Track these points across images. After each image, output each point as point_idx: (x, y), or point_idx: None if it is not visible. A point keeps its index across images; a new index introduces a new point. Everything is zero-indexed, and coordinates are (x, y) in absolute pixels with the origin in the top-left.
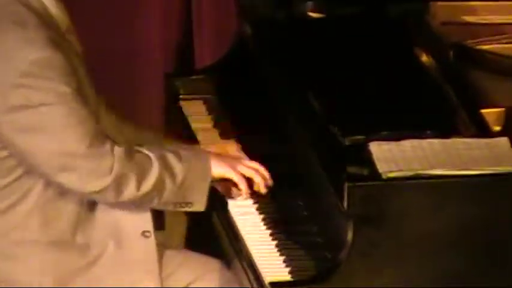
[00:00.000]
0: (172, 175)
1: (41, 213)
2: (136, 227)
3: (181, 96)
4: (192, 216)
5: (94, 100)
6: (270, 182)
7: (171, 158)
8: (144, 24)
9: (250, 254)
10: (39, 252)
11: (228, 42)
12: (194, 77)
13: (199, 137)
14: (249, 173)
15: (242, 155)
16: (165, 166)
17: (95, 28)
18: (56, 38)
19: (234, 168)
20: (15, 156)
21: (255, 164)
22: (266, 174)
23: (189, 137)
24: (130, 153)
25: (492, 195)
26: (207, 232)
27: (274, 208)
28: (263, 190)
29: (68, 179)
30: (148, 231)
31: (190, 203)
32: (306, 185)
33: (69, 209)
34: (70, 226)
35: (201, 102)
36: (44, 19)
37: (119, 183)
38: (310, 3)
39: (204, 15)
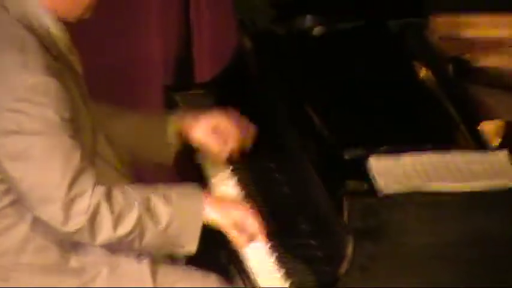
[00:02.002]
0: (155, 219)
1: (36, 238)
2: (131, 252)
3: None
4: None
5: (89, 123)
6: (263, 235)
7: (157, 201)
8: (143, 38)
9: (249, 267)
10: (34, 276)
11: (227, 56)
12: (193, 91)
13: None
14: (241, 225)
15: (242, 203)
16: (148, 209)
17: (94, 43)
18: (54, 65)
19: (228, 217)
20: (6, 181)
21: (251, 217)
22: (260, 227)
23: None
24: (110, 193)
25: (492, 210)
26: (206, 246)
27: (275, 222)
28: (261, 240)
29: (44, 213)
30: (142, 255)
31: (180, 246)
32: (305, 198)
33: (65, 236)
34: (64, 251)
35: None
36: (45, 41)
37: (93, 225)
38: (310, 17)
39: (204, 29)
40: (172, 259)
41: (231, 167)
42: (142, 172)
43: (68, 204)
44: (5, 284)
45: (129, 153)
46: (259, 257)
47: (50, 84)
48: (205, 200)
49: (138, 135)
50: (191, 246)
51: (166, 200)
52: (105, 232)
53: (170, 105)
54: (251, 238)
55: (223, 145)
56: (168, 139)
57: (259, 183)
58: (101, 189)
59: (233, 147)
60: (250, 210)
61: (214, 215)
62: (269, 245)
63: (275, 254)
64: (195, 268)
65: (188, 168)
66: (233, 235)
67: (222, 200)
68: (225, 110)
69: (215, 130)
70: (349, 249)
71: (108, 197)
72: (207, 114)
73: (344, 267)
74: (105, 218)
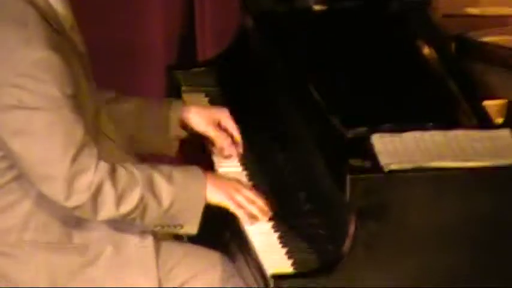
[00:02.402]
0: (158, 198)
1: (39, 215)
2: (134, 230)
3: (183, 89)
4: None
5: (92, 101)
6: (268, 212)
7: (160, 180)
8: (146, 17)
9: (252, 246)
10: (37, 253)
11: (230, 35)
12: (196, 69)
13: None
14: (246, 205)
15: (244, 182)
16: (151, 188)
17: (97, 22)
18: (56, 38)
19: (232, 197)
20: (9, 157)
21: (253, 195)
22: (263, 205)
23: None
24: (113, 171)
25: (494, 187)
26: (209, 225)
27: (277, 201)
28: (261, 219)
29: (48, 189)
30: (145, 233)
31: (180, 225)
32: (307, 177)
33: (67, 211)
34: (68, 227)
35: (202, 94)
36: (47, 17)
37: (96, 201)
38: None
39: (206, 7)
40: (175, 236)
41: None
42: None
43: (71, 179)
44: (9, 260)
45: (131, 143)
46: (261, 236)
47: (53, 59)
48: (208, 181)
49: (140, 125)
50: (192, 227)
51: (169, 180)
52: (107, 209)
53: (172, 84)
54: (254, 215)
55: (225, 138)
56: (171, 131)
57: (261, 162)
58: (104, 166)
59: (236, 140)
60: (252, 188)
61: (216, 195)
62: (271, 224)
63: (277, 233)
64: (198, 245)
65: (196, 159)
66: (236, 212)
67: (223, 180)
68: (223, 108)
69: (216, 124)
70: (352, 228)
71: (112, 174)
72: (207, 108)
73: (347, 245)
74: (108, 195)
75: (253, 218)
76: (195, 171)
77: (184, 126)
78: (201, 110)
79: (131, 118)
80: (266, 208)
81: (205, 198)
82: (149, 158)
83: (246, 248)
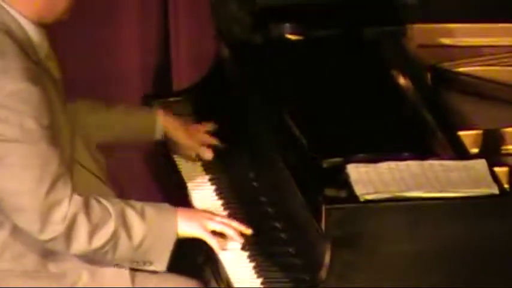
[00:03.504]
0: (130, 234)
1: (15, 244)
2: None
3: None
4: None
5: (67, 131)
6: (245, 230)
7: (133, 216)
8: (122, 46)
9: (227, 275)
10: (13, 281)
11: (205, 64)
12: (172, 99)
13: (177, 158)
14: (220, 229)
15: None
16: (124, 224)
17: (73, 50)
18: (34, 69)
19: (204, 227)
20: None
21: (227, 220)
22: (237, 225)
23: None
24: (87, 204)
25: (469, 217)
26: (183, 253)
27: (253, 230)
28: (239, 240)
29: (21, 221)
30: None
31: (150, 262)
32: (283, 206)
33: (40, 242)
34: (43, 257)
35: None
36: (24, 46)
37: (69, 234)
38: (288, 26)
39: (182, 38)
40: None
41: (209, 176)
42: (120, 174)
43: (45, 212)
44: None
45: (110, 142)
46: (236, 266)
47: (30, 90)
48: (179, 216)
49: (124, 127)
50: (161, 264)
51: (142, 216)
52: (81, 242)
53: None
54: (227, 244)
55: (202, 148)
56: (154, 132)
57: (237, 191)
58: (78, 199)
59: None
60: (225, 218)
61: (188, 228)
62: (247, 253)
63: (253, 263)
64: (174, 273)
65: (162, 161)
66: (210, 242)
67: (195, 211)
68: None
69: (192, 135)
70: (327, 257)
71: (86, 207)
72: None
73: (322, 275)
74: (82, 229)
75: (225, 246)
76: (167, 207)
77: (166, 135)
78: (179, 123)
79: (117, 124)
80: (242, 229)
81: (177, 234)
82: (124, 182)
83: (221, 277)
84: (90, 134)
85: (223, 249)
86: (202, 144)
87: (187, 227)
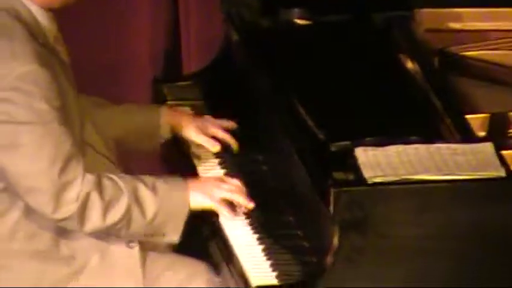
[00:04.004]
0: (143, 209)
1: (28, 224)
2: (120, 239)
3: (168, 102)
4: None
5: (77, 112)
6: (250, 203)
7: (145, 191)
8: (133, 32)
9: (237, 258)
10: (25, 261)
11: (214, 48)
12: (181, 83)
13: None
14: (229, 197)
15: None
16: (136, 200)
17: (84, 35)
18: (42, 52)
19: (213, 197)
20: None
21: (234, 184)
22: (244, 192)
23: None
24: (100, 183)
25: (477, 200)
26: (194, 235)
27: (262, 213)
28: (244, 209)
29: (34, 202)
30: (133, 242)
31: (163, 234)
32: (292, 190)
33: (53, 223)
34: (54, 238)
35: (187, 108)
36: (32, 30)
37: (83, 213)
38: (296, 10)
39: (191, 21)
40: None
41: (218, 160)
42: (129, 159)
43: (58, 192)
44: None
45: (116, 143)
46: (246, 248)
47: (39, 72)
48: (190, 188)
49: (128, 125)
50: (174, 236)
51: (153, 190)
52: (94, 220)
53: (157, 97)
54: (238, 210)
55: (210, 140)
56: (158, 131)
57: (246, 175)
58: (91, 178)
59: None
60: (233, 185)
61: (199, 199)
62: (256, 236)
63: (262, 246)
64: (184, 255)
65: (176, 158)
66: (220, 212)
67: (204, 182)
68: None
69: (203, 129)
70: (335, 240)
71: (98, 185)
72: (195, 116)
73: (330, 257)
74: (95, 207)
75: (237, 210)
76: (178, 181)
77: (175, 132)
78: (191, 119)
79: (120, 121)
80: (246, 194)
81: (189, 207)
82: (133, 164)
83: (231, 259)
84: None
85: (233, 219)
86: (212, 137)
87: (198, 198)
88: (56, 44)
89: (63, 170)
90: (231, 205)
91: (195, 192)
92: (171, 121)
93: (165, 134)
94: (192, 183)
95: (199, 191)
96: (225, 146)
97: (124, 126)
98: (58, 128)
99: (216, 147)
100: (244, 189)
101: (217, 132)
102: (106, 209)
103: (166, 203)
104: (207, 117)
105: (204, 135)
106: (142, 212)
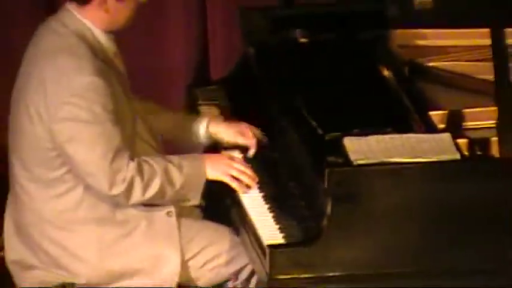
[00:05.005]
0: (172, 184)
1: (89, 198)
2: (162, 209)
3: (199, 103)
4: (209, 196)
5: (129, 114)
6: (255, 180)
7: (173, 170)
8: (171, 45)
9: (253, 223)
10: (88, 226)
11: (235, 60)
12: (210, 87)
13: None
14: (237, 175)
15: (234, 159)
16: (167, 177)
17: (132, 48)
18: (101, 66)
19: (225, 173)
20: (63, 156)
21: (242, 167)
22: (251, 174)
23: None
24: (140, 168)
25: (438, 177)
26: (219, 206)
27: (272, 188)
28: (250, 186)
29: (92, 182)
30: (171, 212)
31: (188, 199)
32: (296, 170)
33: (108, 196)
34: (111, 207)
35: (215, 107)
36: (94, 48)
37: (128, 190)
38: (299, 30)
39: (218, 38)
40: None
41: (240, 149)
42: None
43: (110, 177)
44: (66, 233)
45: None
46: (259, 215)
47: (97, 83)
48: (206, 164)
49: (173, 132)
50: (195, 200)
51: (179, 168)
52: (137, 196)
53: (190, 99)
54: (247, 182)
55: (246, 139)
56: (198, 138)
57: (262, 160)
58: (133, 165)
59: (252, 140)
60: (241, 160)
61: (214, 173)
62: (267, 206)
63: (272, 213)
64: (211, 221)
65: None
66: (231, 184)
67: (218, 159)
68: (239, 120)
69: (237, 132)
70: (329, 209)
71: (139, 170)
72: (229, 122)
73: (325, 223)
74: (137, 186)
75: (244, 187)
76: (197, 158)
77: (212, 136)
78: (226, 125)
79: (169, 129)
80: (254, 175)
81: (205, 178)
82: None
83: (247, 224)
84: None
85: (244, 192)
86: (244, 136)
87: (213, 172)
88: (114, 58)
89: (113, 159)
90: (239, 183)
91: (210, 168)
92: (209, 127)
93: (203, 138)
94: (208, 160)
95: (213, 167)
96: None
97: (168, 129)
98: (110, 127)
99: (253, 147)
100: (249, 170)
101: (249, 132)
102: (145, 187)
103: (189, 177)
104: (242, 123)
105: (239, 135)
106: (172, 186)
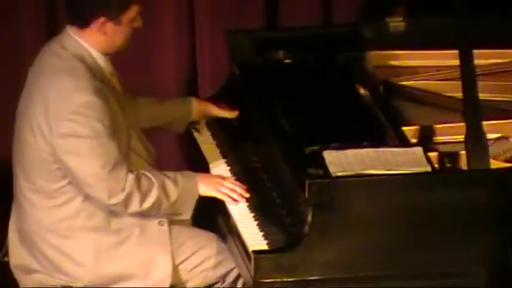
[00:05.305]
0: (168, 197)
1: (86, 207)
2: (155, 218)
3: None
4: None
5: (125, 129)
6: (246, 194)
7: (169, 184)
8: (162, 64)
9: (239, 231)
10: (85, 234)
11: (222, 79)
12: None
13: (202, 147)
14: (227, 192)
15: (224, 178)
16: (163, 190)
17: (127, 68)
18: (98, 85)
19: (217, 189)
20: (63, 169)
21: (231, 184)
22: (240, 190)
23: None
24: (138, 180)
25: (409, 188)
26: (208, 214)
27: (257, 198)
28: (241, 201)
29: (92, 193)
30: (163, 221)
31: (180, 214)
32: (279, 180)
33: (106, 206)
34: (107, 216)
35: (203, 121)
36: (92, 69)
37: (127, 201)
38: (281, 52)
39: (205, 57)
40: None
41: (224, 160)
42: (161, 161)
43: (109, 187)
44: (66, 240)
45: (158, 124)
46: (244, 222)
47: (95, 101)
48: (199, 181)
49: (170, 116)
50: (187, 214)
51: (175, 183)
52: (134, 206)
53: None
54: (235, 199)
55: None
56: (191, 115)
57: (245, 170)
58: (131, 176)
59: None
60: (231, 178)
61: (206, 189)
62: (252, 214)
63: (257, 221)
64: (200, 228)
65: (195, 159)
66: (222, 199)
67: (210, 177)
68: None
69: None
70: (309, 217)
71: (137, 182)
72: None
73: (306, 229)
74: (135, 197)
75: (234, 201)
76: (192, 175)
77: (203, 114)
78: (211, 104)
79: (166, 112)
80: (243, 192)
81: (198, 194)
82: (164, 164)
83: (234, 232)
84: (144, 124)
85: (232, 204)
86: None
87: (205, 189)
88: (111, 78)
89: (112, 171)
90: (231, 198)
91: (203, 185)
92: (199, 105)
93: (194, 116)
94: (201, 178)
95: (206, 184)
96: (227, 152)
97: (167, 115)
98: (108, 141)
99: (234, 113)
100: (239, 188)
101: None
102: (142, 198)
103: (183, 191)
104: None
105: (222, 110)
106: (167, 198)
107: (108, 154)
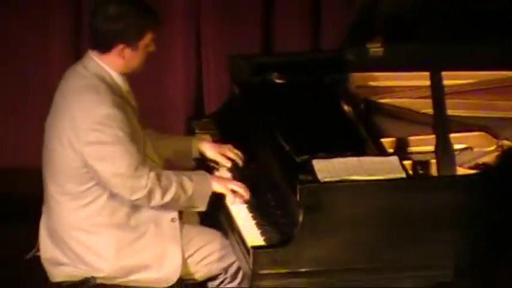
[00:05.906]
0: (185, 192)
1: (109, 207)
2: (168, 216)
3: (196, 132)
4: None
5: (141, 137)
6: (248, 194)
7: (186, 180)
8: (172, 84)
9: (239, 228)
10: (108, 230)
11: (225, 97)
12: (204, 119)
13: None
14: (235, 189)
15: (231, 179)
16: (181, 186)
17: (142, 89)
18: (118, 100)
19: (226, 187)
20: (91, 172)
21: (239, 184)
22: (245, 189)
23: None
24: (159, 177)
25: (387, 192)
26: (213, 215)
27: (255, 200)
28: (244, 198)
29: (119, 191)
30: (175, 218)
31: (197, 206)
32: (274, 186)
33: (126, 204)
34: (127, 214)
35: (209, 135)
36: (112, 87)
37: (149, 195)
38: (275, 73)
39: (211, 79)
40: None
41: (229, 170)
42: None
43: (133, 184)
44: (90, 236)
45: (164, 160)
46: (244, 221)
47: (116, 113)
48: (212, 180)
49: (173, 150)
50: (203, 207)
51: (191, 179)
52: (156, 199)
53: (189, 128)
54: (241, 195)
55: (225, 159)
56: (192, 154)
57: (246, 177)
58: (153, 174)
59: (231, 156)
60: (237, 184)
61: (217, 186)
62: (251, 214)
63: (255, 220)
64: (206, 227)
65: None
66: (228, 195)
67: (220, 178)
68: (228, 144)
69: (219, 150)
70: (301, 218)
71: (158, 178)
72: (214, 143)
73: (297, 229)
74: (157, 191)
75: (239, 197)
76: (204, 173)
77: (201, 153)
78: (211, 145)
79: (169, 147)
80: (246, 192)
81: (212, 189)
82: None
83: (235, 229)
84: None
85: (235, 203)
86: (222, 155)
87: (218, 185)
88: (128, 95)
89: (135, 170)
90: (235, 195)
91: (215, 182)
92: (199, 146)
93: (195, 154)
94: (213, 178)
95: (218, 181)
96: (234, 164)
97: (167, 151)
98: (130, 146)
99: (228, 163)
100: (245, 187)
101: (230, 153)
102: (163, 192)
103: (198, 187)
104: (227, 145)
105: (220, 155)
106: (185, 192)
107: (131, 156)
